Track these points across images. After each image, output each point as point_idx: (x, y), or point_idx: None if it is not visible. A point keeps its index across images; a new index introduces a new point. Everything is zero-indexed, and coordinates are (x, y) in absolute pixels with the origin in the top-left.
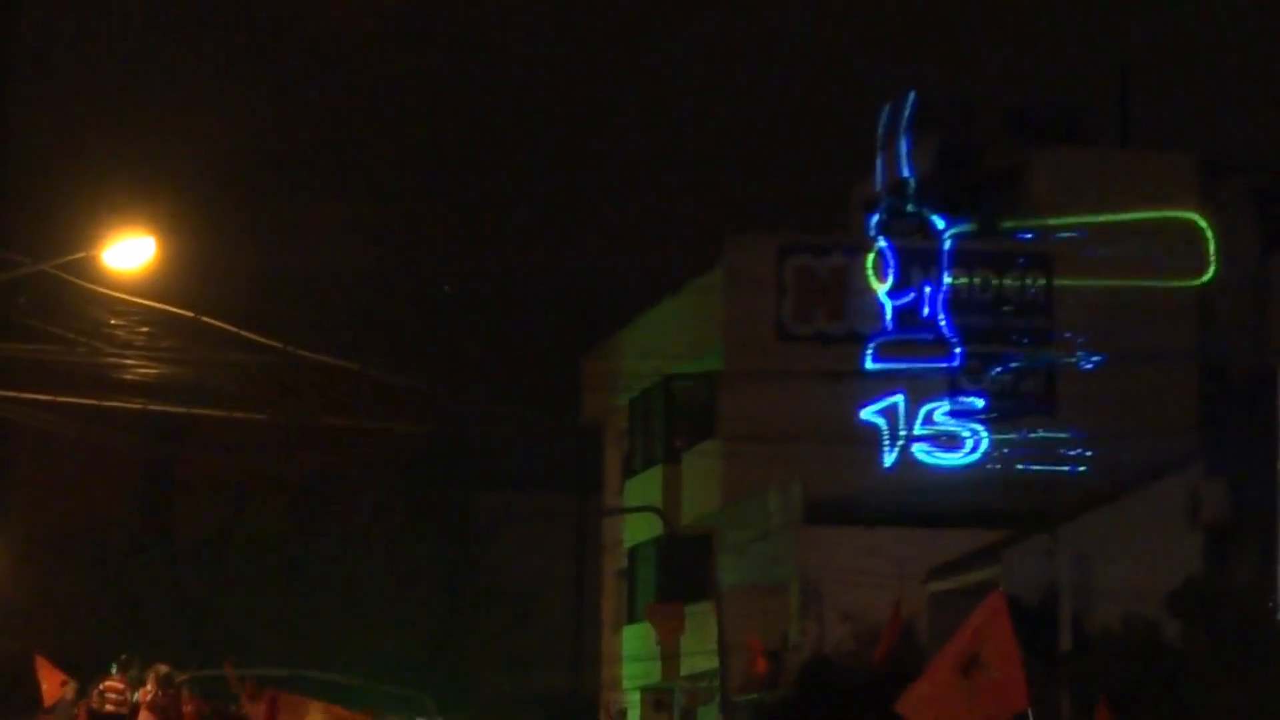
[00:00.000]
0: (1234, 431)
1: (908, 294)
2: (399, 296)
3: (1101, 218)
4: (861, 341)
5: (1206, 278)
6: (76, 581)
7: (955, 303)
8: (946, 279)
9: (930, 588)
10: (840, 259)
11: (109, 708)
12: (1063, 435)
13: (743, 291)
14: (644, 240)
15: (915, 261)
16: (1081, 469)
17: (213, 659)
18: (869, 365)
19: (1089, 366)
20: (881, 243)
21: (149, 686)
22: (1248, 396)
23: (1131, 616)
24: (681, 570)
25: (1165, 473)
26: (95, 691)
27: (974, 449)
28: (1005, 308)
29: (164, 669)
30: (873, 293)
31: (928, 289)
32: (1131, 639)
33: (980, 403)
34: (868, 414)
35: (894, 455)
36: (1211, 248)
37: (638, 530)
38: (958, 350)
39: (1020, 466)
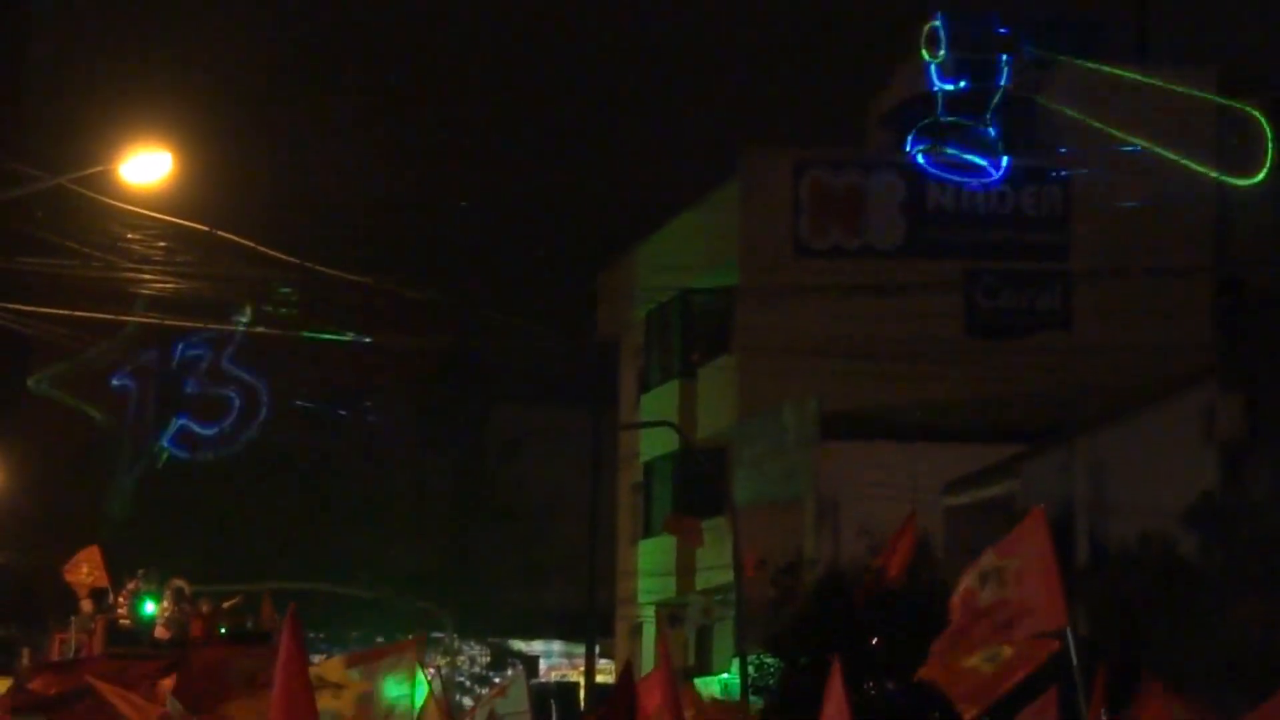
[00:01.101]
0: (1250, 346)
1: (962, 79)
2: (415, 211)
3: (1118, 141)
4: (878, 256)
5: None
6: (92, 497)
7: (972, 218)
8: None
9: (946, 502)
10: (856, 173)
11: (122, 622)
12: (1079, 350)
13: (759, 206)
14: (660, 154)
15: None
16: (1097, 384)
17: (230, 574)
18: (916, 154)
19: (1106, 281)
20: (937, 22)
21: (165, 602)
22: (1264, 311)
23: (1148, 531)
24: (697, 485)
25: (1181, 388)
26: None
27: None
28: (1022, 222)
29: (179, 584)
30: (888, 206)
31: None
32: (1148, 554)
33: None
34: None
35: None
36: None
37: (654, 445)
38: (1003, 159)
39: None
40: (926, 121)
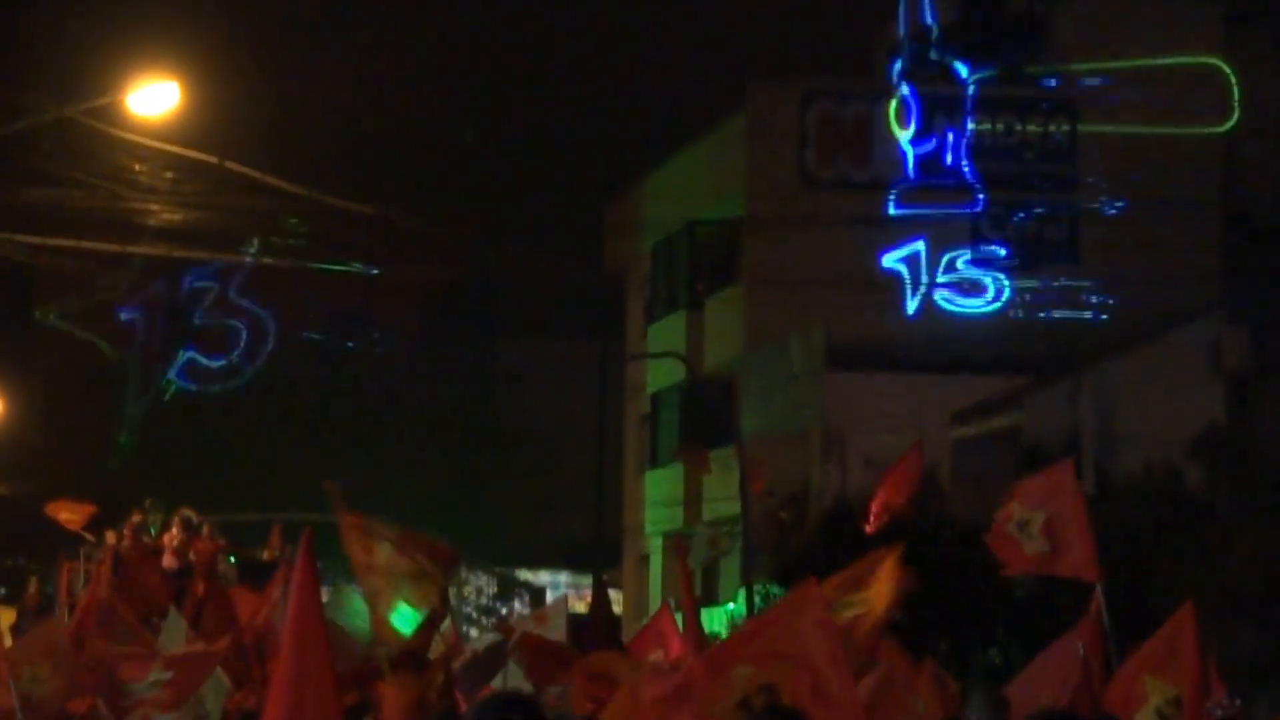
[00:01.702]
0: (1256, 279)
1: (930, 141)
2: (423, 142)
3: (1125, 63)
4: (884, 188)
5: (1230, 124)
6: (100, 426)
7: (978, 149)
8: (970, 125)
9: (953, 433)
10: (863, 105)
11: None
12: (1086, 283)
13: (766, 138)
14: (667, 86)
15: (939, 109)
16: (1104, 316)
17: (237, 504)
18: (891, 212)
19: (1112, 213)
20: (904, 90)
21: (174, 530)
22: (1270, 244)
23: (1153, 462)
24: (704, 415)
25: (1187, 320)
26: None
27: (996, 297)
28: (1028, 154)
29: (187, 512)
30: (896, 139)
31: (950, 136)
32: (1153, 485)
33: (1002, 252)
34: (889, 261)
35: (916, 303)
36: (1235, 94)
37: (660, 376)
38: (980, 197)
39: (1043, 314)
40: (902, 187)
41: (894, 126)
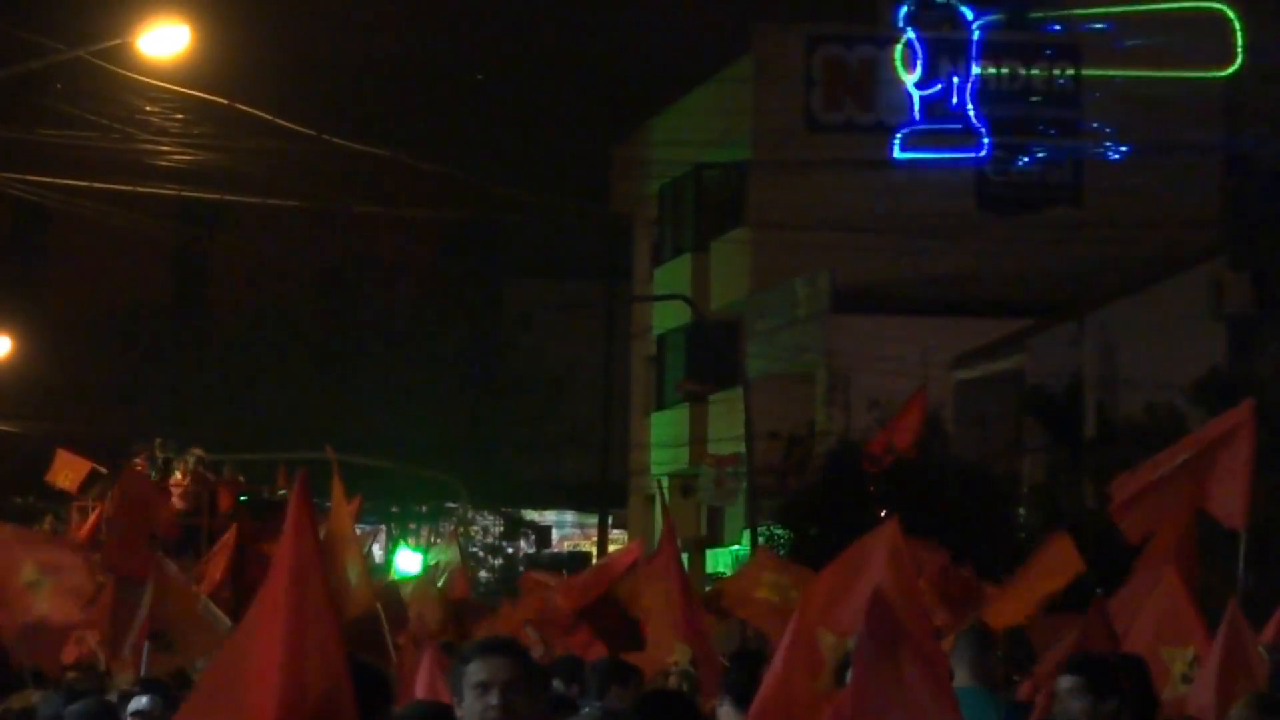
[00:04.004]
0: (1258, 223)
1: (935, 85)
2: (431, 83)
3: (1129, 8)
4: (890, 131)
5: (1233, 69)
6: (110, 366)
7: (983, 94)
8: (975, 69)
9: (956, 376)
10: (869, 49)
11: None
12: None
13: (772, 81)
14: (674, 27)
15: (944, 53)
16: (1106, 259)
17: (247, 443)
18: (897, 155)
19: (1116, 157)
20: (910, 34)
21: (179, 474)
22: (1272, 188)
23: (1155, 405)
24: (710, 357)
25: (1190, 263)
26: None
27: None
28: (1033, 98)
29: (197, 452)
30: (901, 83)
31: (956, 80)
32: (1155, 427)
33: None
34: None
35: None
36: (1239, 39)
37: (666, 318)
38: (985, 141)
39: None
40: (907, 131)
41: (900, 70)
